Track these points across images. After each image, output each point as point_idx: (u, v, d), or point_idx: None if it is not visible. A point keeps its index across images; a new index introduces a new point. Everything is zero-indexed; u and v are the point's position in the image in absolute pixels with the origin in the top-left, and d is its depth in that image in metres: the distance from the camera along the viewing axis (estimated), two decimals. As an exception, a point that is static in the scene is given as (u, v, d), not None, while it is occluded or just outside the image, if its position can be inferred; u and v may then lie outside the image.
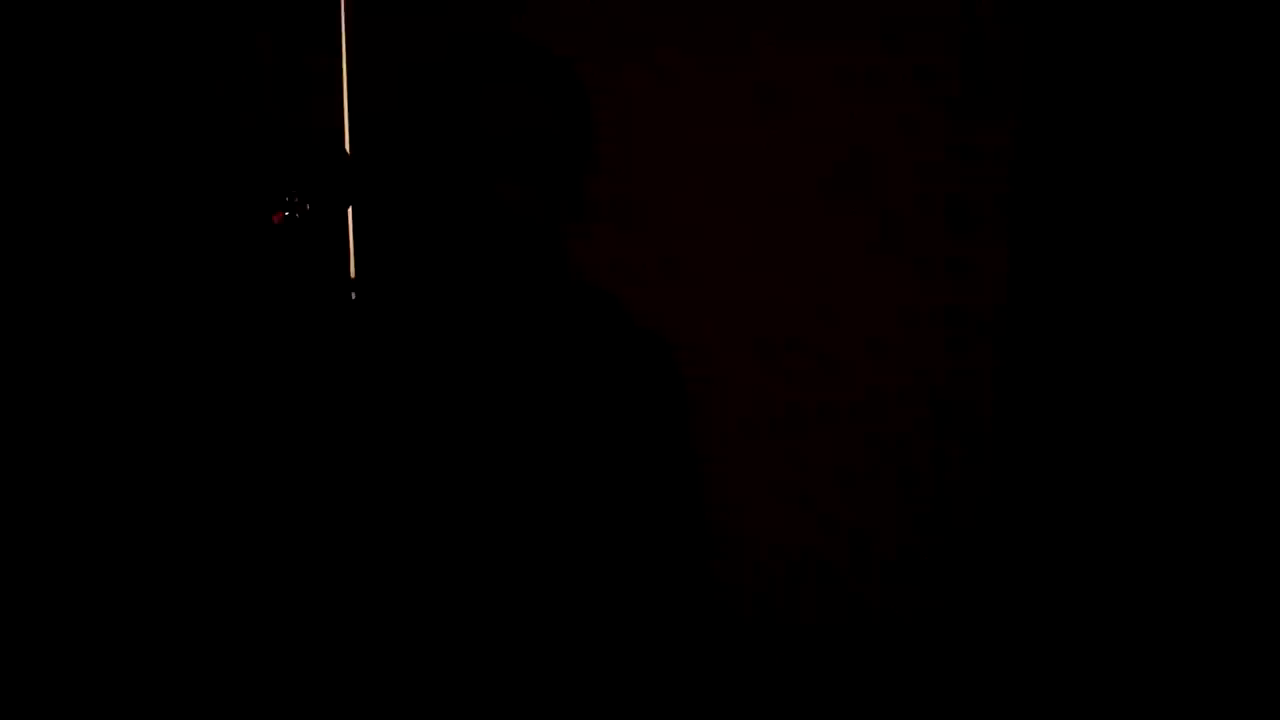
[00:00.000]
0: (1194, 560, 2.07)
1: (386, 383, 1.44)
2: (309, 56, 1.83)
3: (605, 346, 1.50)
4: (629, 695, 1.52)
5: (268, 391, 1.55)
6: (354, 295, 1.94)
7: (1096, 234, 2.05)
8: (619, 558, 1.48)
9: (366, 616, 1.44)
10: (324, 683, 1.45)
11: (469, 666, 1.43)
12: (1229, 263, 2.01)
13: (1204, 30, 1.99)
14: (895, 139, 2.04)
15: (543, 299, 1.47)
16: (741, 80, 2.00)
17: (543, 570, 1.44)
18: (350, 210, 1.87)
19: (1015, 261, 2.07)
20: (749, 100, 2.01)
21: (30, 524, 1.82)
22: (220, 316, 1.88)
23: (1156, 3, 1.98)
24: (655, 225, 2.02)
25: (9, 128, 1.78)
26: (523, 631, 1.43)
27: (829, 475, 2.06)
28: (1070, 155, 2.05)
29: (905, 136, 2.03)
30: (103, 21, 1.80)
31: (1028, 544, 2.12)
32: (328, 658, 1.46)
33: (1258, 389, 2.02)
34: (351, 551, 1.44)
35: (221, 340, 1.86)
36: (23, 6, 1.75)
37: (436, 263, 1.40)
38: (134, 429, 1.83)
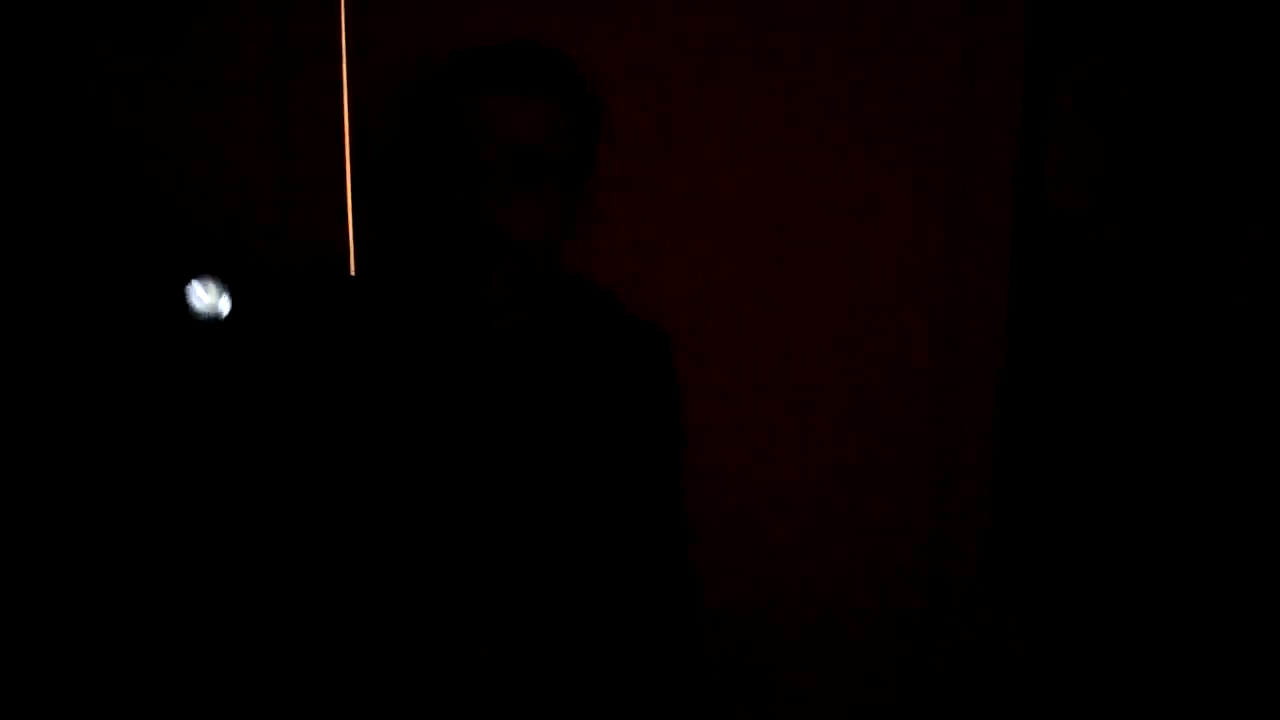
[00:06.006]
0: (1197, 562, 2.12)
1: (395, 383, 1.47)
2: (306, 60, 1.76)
3: (606, 342, 1.55)
4: (629, 688, 1.57)
5: (275, 390, 1.57)
6: (353, 294, 1.89)
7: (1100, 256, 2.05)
8: (618, 549, 1.55)
9: (373, 612, 1.49)
10: (332, 678, 1.49)
11: (477, 661, 1.49)
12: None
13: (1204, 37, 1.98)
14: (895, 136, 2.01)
15: (546, 297, 1.51)
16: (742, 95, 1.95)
17: (546, 563, 1.50)
18: (349, 210, 1.83)
19: (1016, 258, 2.07)
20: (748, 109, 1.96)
21: (25, 522, 1.80)
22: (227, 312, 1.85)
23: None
24: (641, 217, 1.96)
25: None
26: (527, 626, 1.48)
27: (825, 469, 2.07)
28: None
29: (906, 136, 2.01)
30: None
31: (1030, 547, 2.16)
32: (337, 652, 1.50)
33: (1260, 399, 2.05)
34: (360, 547, 1.49)
35: (226, 337, 1.82)
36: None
37: (445, 266, 1.43)
38: (136, 427, 1.80)
